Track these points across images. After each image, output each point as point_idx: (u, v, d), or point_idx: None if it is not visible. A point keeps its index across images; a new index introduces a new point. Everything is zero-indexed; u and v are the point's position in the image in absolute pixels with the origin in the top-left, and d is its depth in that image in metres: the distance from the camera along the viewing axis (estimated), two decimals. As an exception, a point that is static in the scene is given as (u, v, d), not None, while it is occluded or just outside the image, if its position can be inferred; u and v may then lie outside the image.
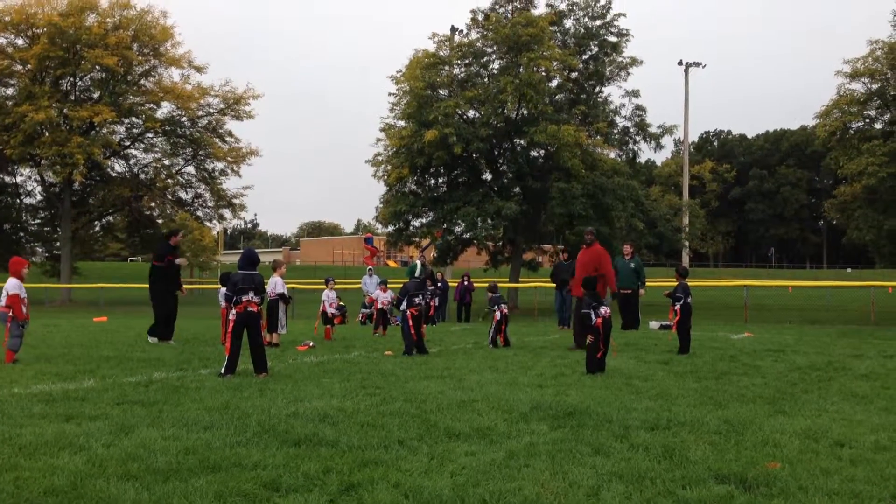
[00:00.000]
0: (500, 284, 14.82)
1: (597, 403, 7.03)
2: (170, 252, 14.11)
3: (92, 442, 5.34)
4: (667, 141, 33.68)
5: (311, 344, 12.98)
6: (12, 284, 10.40)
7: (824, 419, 6.44)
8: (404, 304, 12.01)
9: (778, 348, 12.61)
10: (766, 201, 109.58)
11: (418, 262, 21.11)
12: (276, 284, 13.15)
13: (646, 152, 38.77)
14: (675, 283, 12.38)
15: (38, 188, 42.44)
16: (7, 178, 42.19)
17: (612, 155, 32.12)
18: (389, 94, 30.77)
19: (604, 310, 9.52)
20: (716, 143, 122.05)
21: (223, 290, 13.51)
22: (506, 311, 13.22)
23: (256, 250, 10.33)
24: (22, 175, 42.19)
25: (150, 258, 14.44)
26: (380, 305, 16.70)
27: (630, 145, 32.93)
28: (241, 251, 9.73)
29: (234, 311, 8.94)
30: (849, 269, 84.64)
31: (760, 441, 5.58)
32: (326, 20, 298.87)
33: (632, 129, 32.48)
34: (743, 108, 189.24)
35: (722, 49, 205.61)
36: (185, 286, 14.74)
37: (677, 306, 11.90)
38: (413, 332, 11.77)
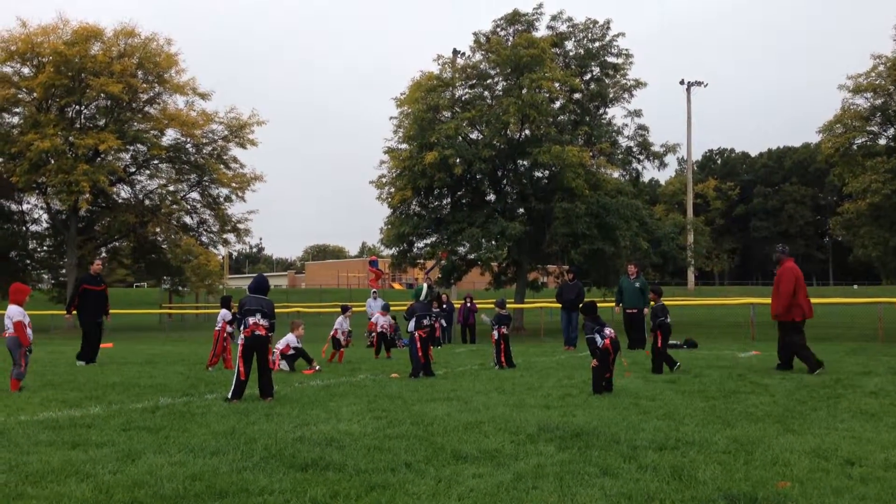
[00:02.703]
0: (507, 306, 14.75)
1: (604, 424, 7.00)
2: (88, 280, 14.92)
3: (98, 469, 5.32)
4: (670, 160, 33.85)
5: (318, 367, 12.97)
6: (14, 311, 10.37)
7: (834, 437, 6.39)
8: (412, 325, 11.98)
9: (786, 366, 12.54)
10: (771, 219, 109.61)
11: (424, 285, 21.08)
12: (288, 342, 13.18)
13: (649, 171, 38.84)
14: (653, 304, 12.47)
15: (45, 216, 42.68)
16: (13, 206, 42.43)
17: (616, 175, 32.17)
18: (391, 117, 30.94)
19: (608, 331, 9.49)
20: (719, 162, 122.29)
21: (223, 312, 13.59)
22: (504, 331, 13.12)
23: (265, 274, 10.40)
24: (28, 203, 42.48)
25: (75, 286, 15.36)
26: (379, 329, 16.64)
27: (633, 165, 33.00)
28: (253, 276, 9.77)
29: (241, 335, 8.93)
30: (855, 286, 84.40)
31: (770, 460, 5.54)
32: (334, 42, 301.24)
33: (635, 149, 32.55)
34: (745, 125, 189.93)
35: (723, 67, 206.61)
36: (111, 311, 15.79)
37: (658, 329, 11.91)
38: (421, 354, 11.73)
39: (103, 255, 44.48)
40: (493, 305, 14.52)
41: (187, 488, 4.78)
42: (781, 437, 6.43)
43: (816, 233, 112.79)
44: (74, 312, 14.82)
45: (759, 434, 6.52)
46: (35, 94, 36.98)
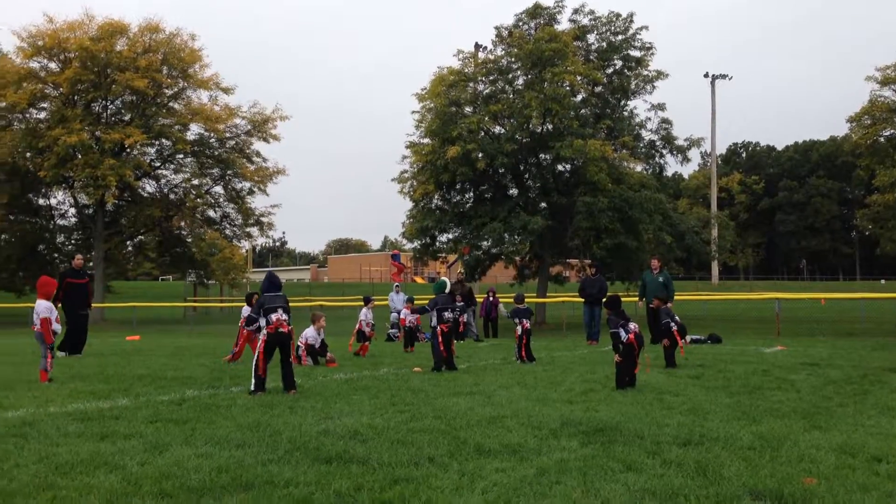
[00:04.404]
0: (527, 299, 14.76)
1: (627, 419, 6.98)
2: (70, 274, 15.84)
3: (127, 460, 5.40)
4: (694, 154, 33.57)
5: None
6: (42, 307, 10.50)
7: (861, 434, 6.33)
8: (434, 319, 11.99)
9: (812, 362, 12.44)
10: (797, 213, 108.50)
11: (445, 279, 21.14)
12: (306, 337, 13.18)
13: (672, 165, 38.54)
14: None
15: (72, 210, 43.17)
16: (41, 201, 42.98)
17: (639, 168, 31.94)
18: (413, 112, 30.93)
19: (632, 326, 9.46)
20: (744, 155, 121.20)
21: (244, 308, 13.69)
22: (527, 325, 13.12)
23: (287, 267, 10.46)
24: (55, 198, 43.00)
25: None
26: (406, 324, 16.65)
27: (656, 158, 32.74)
28: (265, 274, 9.82)
29: (264, 331, 8.99)
30: (882, 281, 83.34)
31: (796, 456, 5.50)
32: (357, 36, 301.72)
33: (658, 143, 32.28)
34: (771, 119, 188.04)
35: (749, 60, 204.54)
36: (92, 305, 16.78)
37: (674, 328, 12.01)
38: (443, 348, 11.74)
39: (128, 248, 44.90)
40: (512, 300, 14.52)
41: (214, 480, 4.84)
42: (807, 433, 6.38)
43: (843, 227, 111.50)
44: (59, 306, 15.30)
45: (784, 430, 6.47)
46: (62, 90, 37.36)
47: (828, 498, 4.43)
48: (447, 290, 12.83)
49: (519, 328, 13.02)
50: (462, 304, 16.98)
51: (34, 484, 4.78)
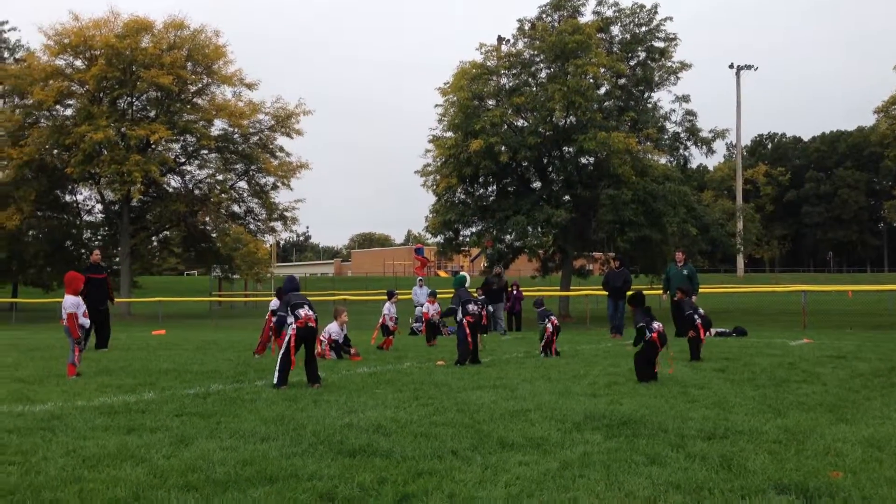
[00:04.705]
0: (551, 293, 14.74)
1: (651, 412, 6.94)
2: (89, 270, 16.00)
3: (153, 453, 5.45)
4: (719, 145, 33.28)
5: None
6: (69, 303, 10.63)
7: (888, 427, 6.25)
8: (460, 313, 12.00)
9: (838, 355, 12.30)
10: (824, 204, 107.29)
11: (465, 273, 21.18)
12: (330, 332, 13.21)
13: (697, 157, 38.27)
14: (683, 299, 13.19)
15: (98, 206, 43.71)
16: (68, 197, 43.53)
17: (663, 161, 31.75)
18: (436, 105, 30.94)
19: (656, 325, 9.40)
20: (769, 147, 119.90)
21: (275, 301, 13.77)
22: (556, 322, 13.12)
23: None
24: (82, 194, 43.55)
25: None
26: (429, 317, 16.68)
27: (681, 151, 32.52)
28: (286, 278, 10.01)
29: (294, 326, 9.06)
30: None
31: (822, 450, 5.45)
32: (380, 30, 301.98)
33: (682, 135, 32.07)
34: (796, 109, 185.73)
35: (774, 50, 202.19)
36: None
37: (698, 321, 11.99)
38: (470, 340, 11.73)
39: (154, 243, 45.36)
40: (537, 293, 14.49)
41: (238, 473, 4.88)
42: (834, 426, 6.31)
43: (871, 218, 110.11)
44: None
45: (810, 423, 6.41)
46: (88, 87, 37.80)
47: (854, 492, 4.39)
48: (468, 284, 12.81)
49: (550, 326, 13.00)
50: (483, 297, 16.97)
51: (62, 477, 4.84)
